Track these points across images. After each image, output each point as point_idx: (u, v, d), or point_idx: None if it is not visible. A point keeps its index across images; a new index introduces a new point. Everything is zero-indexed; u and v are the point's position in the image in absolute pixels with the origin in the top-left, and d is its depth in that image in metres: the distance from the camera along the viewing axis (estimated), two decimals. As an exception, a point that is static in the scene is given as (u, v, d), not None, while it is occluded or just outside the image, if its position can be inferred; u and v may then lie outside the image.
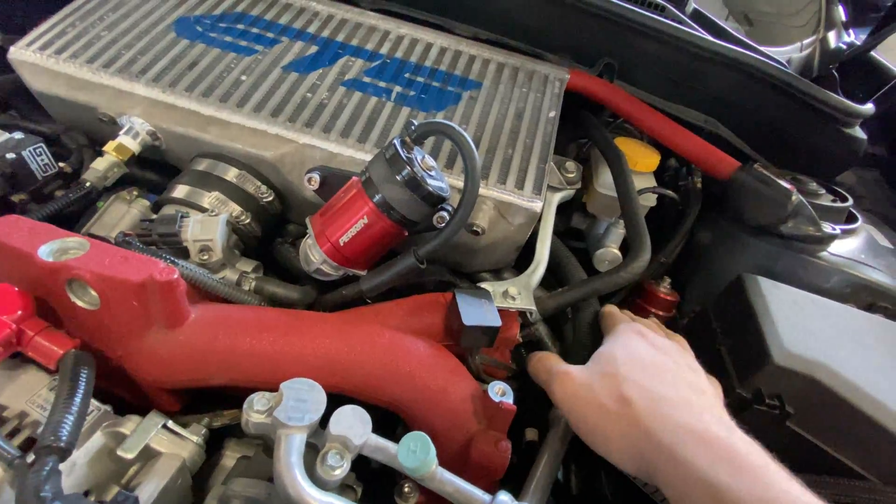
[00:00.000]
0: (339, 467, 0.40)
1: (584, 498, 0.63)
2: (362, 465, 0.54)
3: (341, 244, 0.53)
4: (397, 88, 0.70)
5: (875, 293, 0.70)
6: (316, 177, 0.59)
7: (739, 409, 0.56)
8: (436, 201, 0.52)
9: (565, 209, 0.89)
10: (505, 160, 0.66)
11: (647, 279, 0.79)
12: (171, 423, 0.45)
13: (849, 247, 0.76)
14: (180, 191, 0.60)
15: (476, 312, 0.52)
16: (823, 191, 0.80)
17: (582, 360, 0.55)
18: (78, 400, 0.38)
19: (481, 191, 0.61)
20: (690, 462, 0.37)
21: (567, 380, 0.48)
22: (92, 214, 0.59)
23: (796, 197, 0.71)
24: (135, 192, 0.62)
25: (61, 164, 0.62)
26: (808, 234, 0.72)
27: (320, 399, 0.42)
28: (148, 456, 0.44)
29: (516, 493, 0.44)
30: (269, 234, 0.68)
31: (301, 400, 0.41)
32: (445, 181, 0.55)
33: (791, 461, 0.55)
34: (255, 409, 0.41)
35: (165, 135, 0.64)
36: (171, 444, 0.44)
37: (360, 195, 0.52)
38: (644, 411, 0.41)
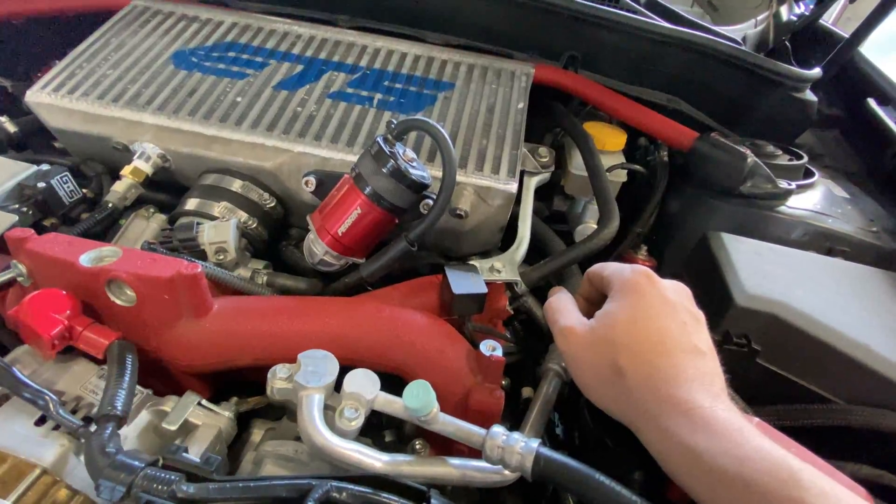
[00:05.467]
0: (355, 419, 0.46)
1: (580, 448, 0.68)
2: (375, 440, 0.60)
3: (340, 234, 0.60)
4: (378, 96, 0.77)
5: (832, 239, 0.76)
6: (312, 179, 0.65)
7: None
8: (419, 188, 0.59)
9: (546, 195, 0.96)
10: (481, 150, 0.73)
11: (626, 249, 0.85)
12: (204, 402, 0.51)
13: (808, 200, 0.82)
14: (192, 203, 0.67)
15: (464, 282, 0.58)
16: (780, 152, 0.87)
17: None
18: (127, 377, 0.44)
19: (461, 178, 0.68)
20: (673, 431, 0.41)
21: (570, 337, 0.50)
22: (116, 231, 0.66)
23: (751, 159, 0.78)
24: (151, 209, 0.69)
25: (84, 191, 0.69)
26: (767, 191, 0.78)
27: (334, 365, 0.48)
28: (187, 430, 0.50)
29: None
30: (273, 237, 0.75)
31: (317, 366, 0.47)
32: (427, 171, 0.62)
33: (764, 395, 0.61)
34: (278, 377, 0.47)
35: (174, 156, 0.71)
36: (206, 417, 0.50)
37: (352, 189, 0.59)
38: (635, 383, 0.44)
